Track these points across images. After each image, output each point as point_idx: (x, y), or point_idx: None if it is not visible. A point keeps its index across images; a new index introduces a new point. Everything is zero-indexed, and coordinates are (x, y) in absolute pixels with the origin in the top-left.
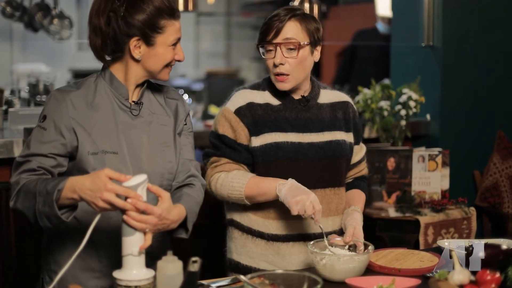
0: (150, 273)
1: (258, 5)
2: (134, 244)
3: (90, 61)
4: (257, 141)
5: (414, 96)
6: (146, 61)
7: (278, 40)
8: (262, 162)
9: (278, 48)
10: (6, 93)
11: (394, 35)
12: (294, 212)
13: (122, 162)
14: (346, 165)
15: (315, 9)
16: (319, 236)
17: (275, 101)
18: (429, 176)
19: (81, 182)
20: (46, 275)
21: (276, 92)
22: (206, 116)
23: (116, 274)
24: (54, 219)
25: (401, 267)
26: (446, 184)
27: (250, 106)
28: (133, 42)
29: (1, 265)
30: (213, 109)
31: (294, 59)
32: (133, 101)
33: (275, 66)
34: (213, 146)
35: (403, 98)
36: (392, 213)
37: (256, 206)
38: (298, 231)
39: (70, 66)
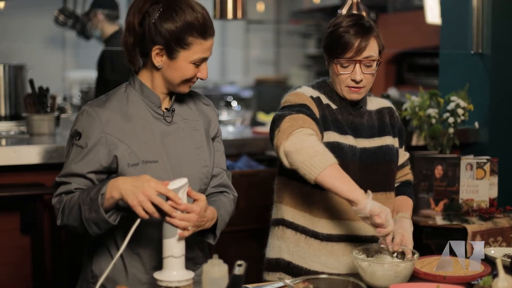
0: (189, 274)
1: (307, 13)
2: (174, 246)
3: None
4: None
5: (462, 103)
6: (165, 71)
7: (359, 57)
8: None
9: (357, 65)
10: (59, 100)
11: (442, 43)
12: (378, 220)
13: (163, 170)
14: (395, 170)
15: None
16: (370, 239)
17: (332, 105)
18: (477, 184)
19: (123, 180)
20: (92, 285)
21: (332, 97)
22: (254, 123)
23: (157, 275)
24: (103, 224)
25: (446, 274)
26: (494, 192)
27: (319, 100)
28: (156, 49)
29: (51, 267)
30: (262, 116)
31: (370, 74)
32: (166, 108)
33: (351, 80)
34: (291, 110)
35: (451, 106)
36: (440, 221)
37: (311, 205)
38: (351, 232)
39: None
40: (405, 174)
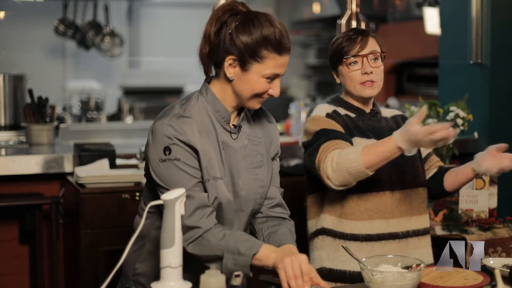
0: (187, 285)
1: (308, 23)
2: (172, 256)
3: (140, 78)
4: None
5: (462, 114)
6: (236, 83)
7: (364, 52)
8: None
9: (364, 59)
10: (58, 109)
11: (442, 53)
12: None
13: (226, 188)
14: (420, 167)
15: (363, 26)
16: (406, 235)
17: (351, 114)
18: (477, 195)
19: (280, 258)
20: (132, 282)
21: (349, 107)
22: None
23: (154, 285)
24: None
25: (445, 285)
26: (494, 203)
27: (336, 113)
28: (229, 60)
29: (49, 277)
30: None
31: (379, 68)
32: (233, 125)
33: (363, 74)
34: (317, 140)
35: (450, 116)
36: (439, 231)
37: (348, 210)
38: (388, 230)
39: (121, 83)
40: (436, 161)
